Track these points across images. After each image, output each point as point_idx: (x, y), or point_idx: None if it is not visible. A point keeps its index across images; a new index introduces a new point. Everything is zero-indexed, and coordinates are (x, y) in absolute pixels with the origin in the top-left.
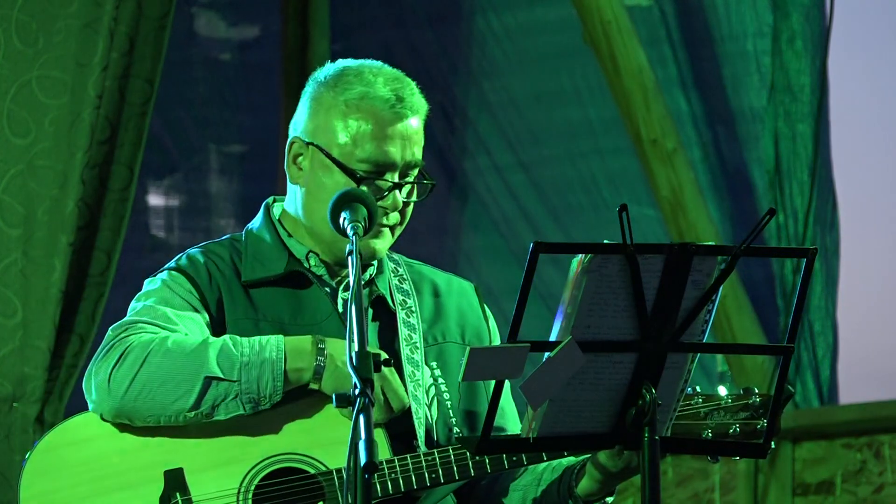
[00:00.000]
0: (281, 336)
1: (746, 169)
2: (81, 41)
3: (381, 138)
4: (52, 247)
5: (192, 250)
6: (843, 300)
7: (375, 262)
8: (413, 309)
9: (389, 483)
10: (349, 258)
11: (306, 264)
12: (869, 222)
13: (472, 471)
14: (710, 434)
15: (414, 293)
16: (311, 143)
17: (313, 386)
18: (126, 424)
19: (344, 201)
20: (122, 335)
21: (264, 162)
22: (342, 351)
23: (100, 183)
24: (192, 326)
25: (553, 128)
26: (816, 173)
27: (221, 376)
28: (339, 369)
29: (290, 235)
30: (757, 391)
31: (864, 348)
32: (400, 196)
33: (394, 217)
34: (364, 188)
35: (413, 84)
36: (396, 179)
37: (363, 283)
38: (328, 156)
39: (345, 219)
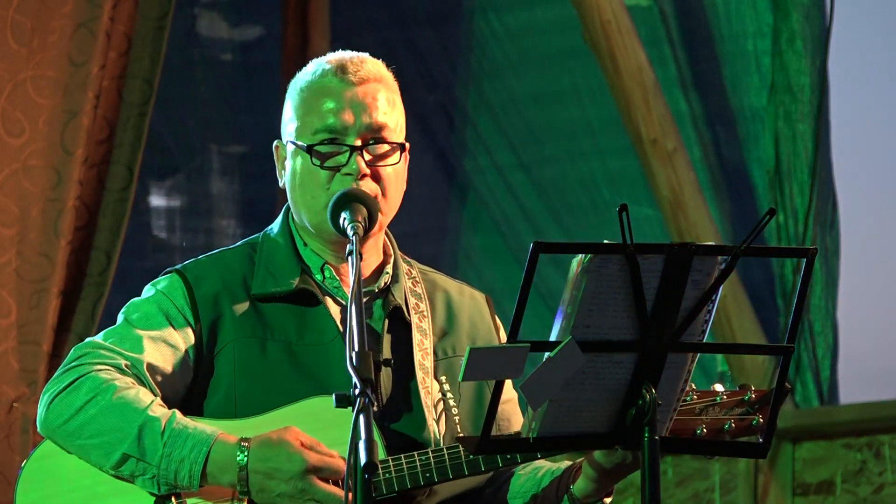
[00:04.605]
0: (214, 435)
1: (746, 169)
2: (76, 41)
3: (331, 107)
4: (48, 246)
5: (204, 258)
6: (843, 300)
7: (390, 270)
8: (425, 313)
9: (383, 483)
10: (349, 258)
11: (319, 276)
12: (869, 222)
13: (465, 469)
14: (704, 430)
15: (426, 298)
16: (287, 142)
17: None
18: None
19: (344, 201)
20: (82, 359)
21: (265, 162)
22: (263, 467)
23: (98, 183)
24: (161, 355)
25: (553, 127)
26: (816, 173)
27: (141, 457)
28: (261, 492)
29: (305, 245)
30: (753, 388)
31: (864, 348)
32: (363, 161)
33: (369, 185)
34: (318, 161)
35: (370, 58)
36: (358, 144)
37: (378, 291)
38: (293, 142)
39: (345, 219)
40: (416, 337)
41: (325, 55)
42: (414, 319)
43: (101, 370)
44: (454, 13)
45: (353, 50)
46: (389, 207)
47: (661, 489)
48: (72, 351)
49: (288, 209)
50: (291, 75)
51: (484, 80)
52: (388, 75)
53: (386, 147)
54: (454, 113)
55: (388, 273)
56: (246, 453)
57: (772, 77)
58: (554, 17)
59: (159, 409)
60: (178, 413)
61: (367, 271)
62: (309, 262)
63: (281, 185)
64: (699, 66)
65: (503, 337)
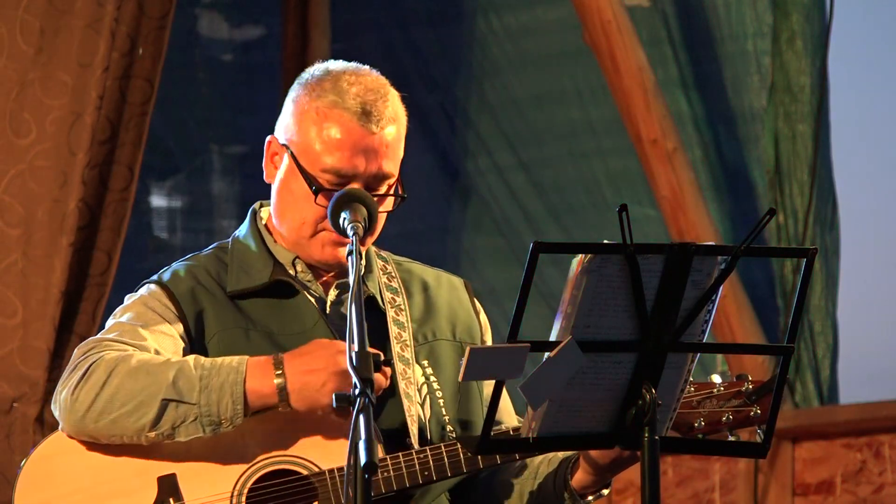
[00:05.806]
0: (245, 357)
1: (746, 169)
2: (83, 41)
3: (345, 150)
4: (52, 247)
5: (177, 263)
6: (843, 300)
7: (363, 263)
8: (402, 307)
9: (382, 482)
10: (349, 258)
11: (292, 271)
12: (869, 222)
13: (464, 467)
14: (702, 423)
15: (403, 291)
16: (286, 146)
17: (286, 409)
18: None
19: (344, 201)
20: (89, 353)
21: None
22: (300, 367)
23: (100, 183)
24: (163, 342)
25: (554, 128)
26: (816, 173)
27: (180, 399)
28: (302, 390)
29: (275, 241)
30: (750, 378)
31: (864, 348)
32: None
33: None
34: (322, 203)
35: (391, 94)
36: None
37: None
38: (296, 162)
39: (345, 219)
40: (392, 330)
41: (345, 71)
42: (390, 314)
43: (110, 353)
44: (454, 13)
45: (353, 51)
46: (373, 240)
47: (661, 489)
48: (76, 350)
49: (254, 213)
50: (291, 75)
51: (485, 81)
52: (402, 110)
53: (383, 191)
54: (455, 114)
55: (361, 265)
56: (280, 358)
57: (772, 77)
58: (554, 17)
59: (181, 358)
60: (198, 355)
61: None
62: (280, 258)
63: (266, 179)
64: (699, 66)
65: (484, 320)
